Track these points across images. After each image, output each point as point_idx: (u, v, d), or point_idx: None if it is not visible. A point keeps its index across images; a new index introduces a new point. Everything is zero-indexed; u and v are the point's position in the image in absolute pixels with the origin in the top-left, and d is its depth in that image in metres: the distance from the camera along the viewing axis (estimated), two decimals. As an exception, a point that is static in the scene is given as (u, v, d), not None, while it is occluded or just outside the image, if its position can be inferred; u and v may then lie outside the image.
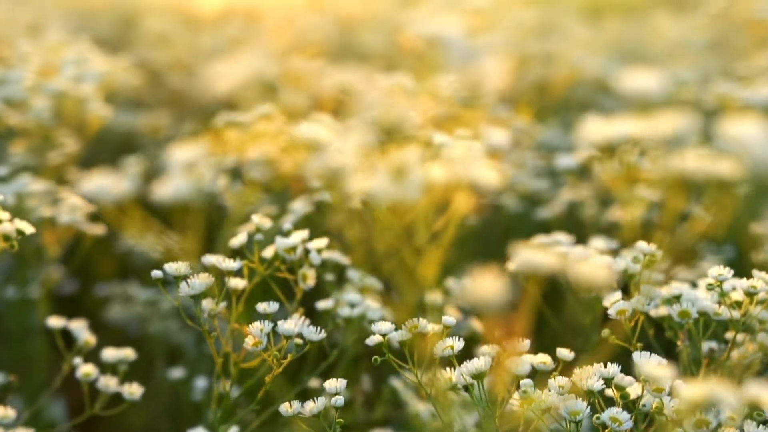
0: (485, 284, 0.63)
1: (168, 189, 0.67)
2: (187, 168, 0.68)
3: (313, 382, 1.10)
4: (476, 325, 1.23)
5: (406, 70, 1.30)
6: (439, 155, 0.91)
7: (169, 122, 2.03)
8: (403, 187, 0.63)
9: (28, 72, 1.57)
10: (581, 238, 1.25)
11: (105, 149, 1.96)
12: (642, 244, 0.88)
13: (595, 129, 0.79)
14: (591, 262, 0.65)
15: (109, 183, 0.68)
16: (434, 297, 1.22)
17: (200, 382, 1.23)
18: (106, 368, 1.01)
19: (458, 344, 0.79)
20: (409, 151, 0.65)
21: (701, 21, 2.44)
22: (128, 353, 0.99)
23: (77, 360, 0.98)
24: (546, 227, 1.57)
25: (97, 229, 1.37)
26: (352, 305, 0.97)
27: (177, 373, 1.30)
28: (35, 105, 1.53)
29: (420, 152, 0.75)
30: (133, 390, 0.96)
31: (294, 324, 0.83)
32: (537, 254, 0.66)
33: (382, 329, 0.81)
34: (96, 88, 1.65)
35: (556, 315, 1.05)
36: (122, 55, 2.10)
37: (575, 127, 1.88)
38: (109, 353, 0.98)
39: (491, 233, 1.64)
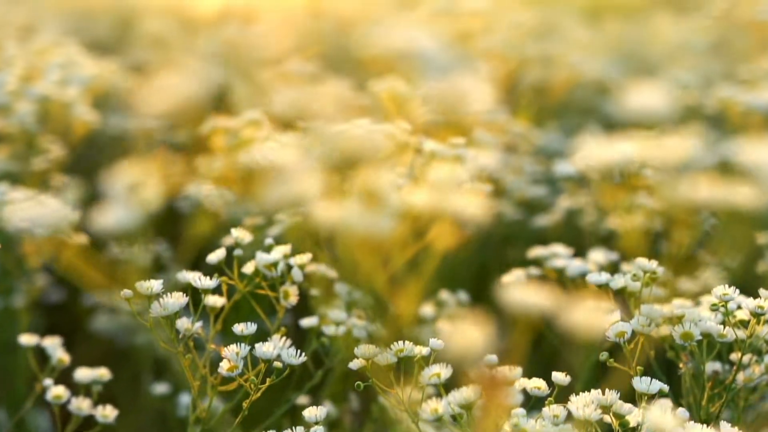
0: (468, 334, 0.58)
1: (109, 218, 0.63)
2: (129, 193, 0.63)
3: (302, 399, 1.06)
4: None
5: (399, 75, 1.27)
6: (429, 165, 0.87)
7: (163, 126, 2.00)
8: (376, 217, 0.58)
9: (11, 76, 1.54)
10: (580, 247, 1.21)
11: (95, 154, 1.93)
12: (642, 261, 0.84)
13: (596, 151, 0.74)
14: (588, 309, 0.60)
15: (46, 212, 0.63)
16: (427, 310, 1.18)
17: (185, 398, 1.20)
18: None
19: (446, 372, 0.74)
20: (384, 174, 0.60)
21: (703, 23, 2.41)
22: (103, 373, 0.95)
23: (48, 381, 0.93)
24: (544, 235, 1.53)
25: (80, 238, 1.33)
26: (338, 323, 0.93)
27: (161, 388, 1.26)
28: (18, 109, 1.50)
29: (406, 167, 0.70)
30: (107, 413, 0.91)
31: (273, 346, 0.79)
32: (528, 294, 0.61)
33: (366, 353, 0.77)
34: (83, 92, 1.62)
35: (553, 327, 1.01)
36: (119, 57, 2.07)
37: (575, 132, 1.86)
38: (83, 373, 0.94)
39: (488, 241, 1.60)
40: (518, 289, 0.61)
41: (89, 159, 1.83)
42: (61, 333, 1.22)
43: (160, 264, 1.50)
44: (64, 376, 1.02)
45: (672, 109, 0.78)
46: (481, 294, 1.47)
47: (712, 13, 2.39)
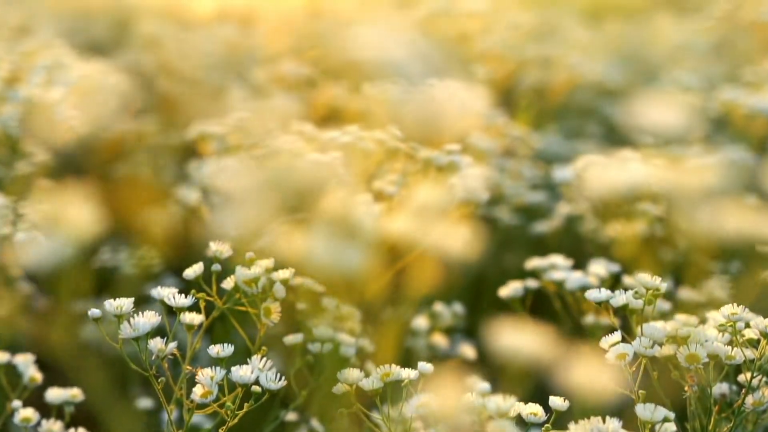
0: (451, 402, 0.53)
1: (35, 252, 0.57)
2: (54, 223, 0.58)
3: (291, 415, 1.02)
4: (468, 352, 1.16)
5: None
6: (423, 173, 0.83)
7: (157, 128, 1.96)
8: (348, 248, 0.52)
9: (-6, 78, 1.51)
10: (579, 254, 1.17)
11: (85, 158, 1.89)
12: (645, 277, 0.79)
13: (599, 174, 0.69)
14: (588, 366, 0.55)
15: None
16: (420, 322, 1.15)
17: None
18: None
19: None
20: (357, 198, 0.55)
21: (705, 24, 2.38)
22: (75, 393, 0.90)
23: (16, 402, 0.88)
24: (542, 242, 1.49)
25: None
26: (323, 341, 0.88)
27: (145, 402, 1.23)
28: (1, 113, 1.46)
29: (397, 174, 0.66)
30: (80, 436, 0.86)
31: (250, 369, 0.74)
32: (521, 338, 0.56)
33: (350, 378, 0.72)
34: (68, 94, 1.58)
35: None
36: (115, 58, 2.04)
37: (575, 135, 1.81)
38: (54, 393, 0.89)
39: (485, 248, 1.56)
40: (512, 336, 0.55)
41: (77, 162, 1.80)
42: (49, 341, 1.18)
43: (150, 272, 1.46)
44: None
45: (684, 124, 0.73)
46: (478, 303, 1.43)
47: (715, 14, 2.36)
